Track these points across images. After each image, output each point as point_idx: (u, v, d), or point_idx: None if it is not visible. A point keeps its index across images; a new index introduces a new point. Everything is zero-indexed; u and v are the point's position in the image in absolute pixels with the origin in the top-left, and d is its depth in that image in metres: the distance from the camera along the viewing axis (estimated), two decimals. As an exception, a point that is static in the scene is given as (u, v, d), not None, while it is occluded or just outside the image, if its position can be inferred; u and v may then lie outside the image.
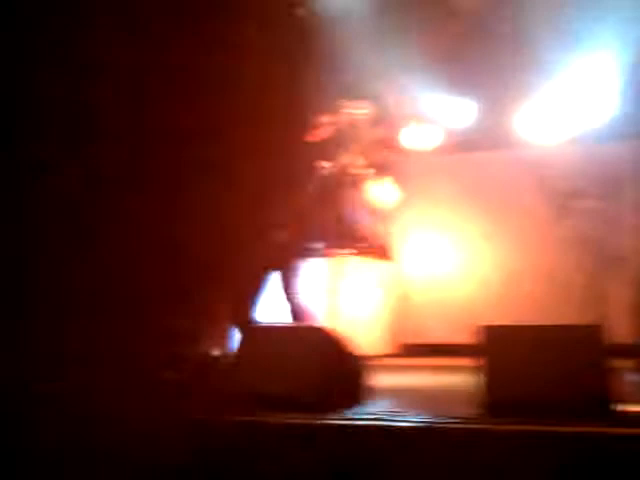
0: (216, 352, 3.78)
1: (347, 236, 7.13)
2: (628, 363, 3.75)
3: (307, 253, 4.97)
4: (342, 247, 6.94)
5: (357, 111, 7.19)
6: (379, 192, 7.24)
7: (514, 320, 5.62)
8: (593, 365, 3.07)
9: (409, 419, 3.03)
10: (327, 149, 7.00)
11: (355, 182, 7.27)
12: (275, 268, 4.95)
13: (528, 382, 3.06)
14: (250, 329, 4.06)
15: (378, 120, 6.90)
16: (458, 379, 4.60)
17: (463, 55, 6.87)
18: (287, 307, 4.95)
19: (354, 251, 6.95)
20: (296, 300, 4.91)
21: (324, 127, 7.15)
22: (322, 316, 4.99)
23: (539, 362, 3.07)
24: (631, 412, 3.06)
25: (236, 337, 3.74)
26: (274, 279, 5.01)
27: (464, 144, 7.40)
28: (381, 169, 7.36)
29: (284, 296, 4.98)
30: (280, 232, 4.85)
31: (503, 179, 7.06)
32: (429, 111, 7.45)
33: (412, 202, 7.30)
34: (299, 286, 4.95)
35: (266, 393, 3.30)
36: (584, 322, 4.57)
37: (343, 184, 7.07)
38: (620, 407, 3.07)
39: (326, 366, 3.43)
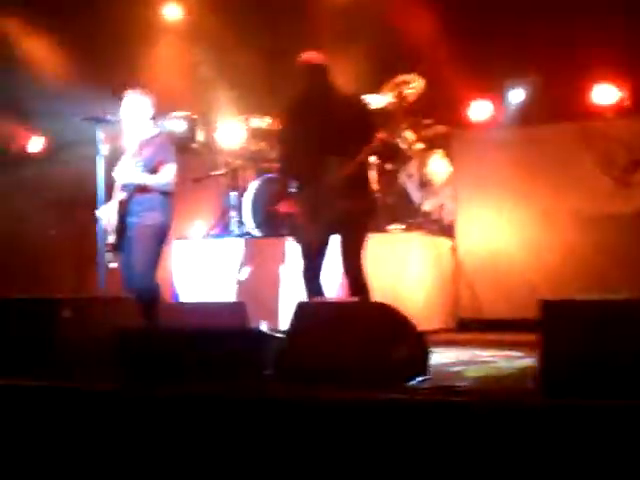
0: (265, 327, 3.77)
1: (401, 211, 7.11)
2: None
3: (368, 226, 4.78)
4: (396, 222, 6.93)
5: (409, 85, 7.14)
6: (431, 166, 7.18)
7: (572, 295, 5.55)
8: None
9: (467, 395, 3.04)
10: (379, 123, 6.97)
11: (407, 157, 7.24)
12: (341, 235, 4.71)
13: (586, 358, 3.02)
14: (304, 304, 3.99)
15: (428, 94, 6.84)
16: (515, 354, 4.61)
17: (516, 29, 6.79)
18: (345, 280, 4.77)
19: (409, 226, 6.94)
20: (357, 273, 4.70)
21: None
22: (377, 292, 4.87)
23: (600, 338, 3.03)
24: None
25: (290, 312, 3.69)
26: (334, 249, 4.81)
27: (520, 117, 7.31)
28: (433, 143, 7.30)
29: (344, 268, 4.77)
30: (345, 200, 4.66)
31: (561, 152, 6.95)
32: (483, 85, 7.37)
33: (468, 176, 7.23)
34: (362, 259, 4.71)
35: (322, 369, 3.33)
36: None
37: (396, 158, 7.04)
38: None
39: (387, 341, 3.45)
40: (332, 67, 4.89)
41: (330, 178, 4.64)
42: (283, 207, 4.89)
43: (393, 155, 4.90)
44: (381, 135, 4.63)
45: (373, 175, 6.24)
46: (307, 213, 4.73)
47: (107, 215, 5.40)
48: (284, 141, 5.09)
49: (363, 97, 5.24)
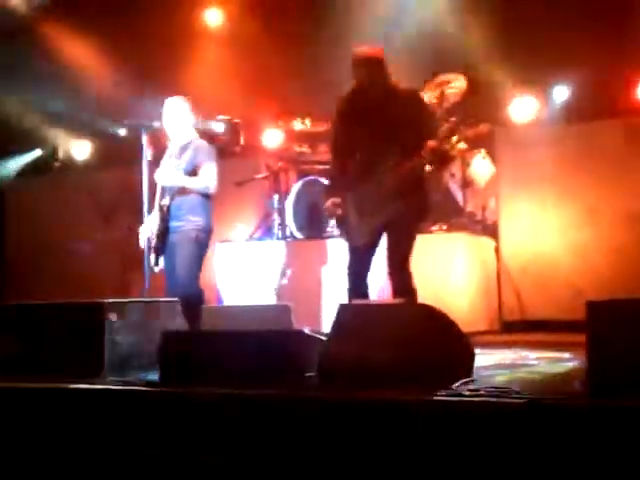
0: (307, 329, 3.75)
1: (445, 211, 7.06)
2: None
3: (418, 228, 4.70)
4: (440, 222, 6.88)
5: (450, 85, 7.08)
6: (474, 166, 7.12)
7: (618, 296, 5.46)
8: None
9: (513, 397, 3.02)
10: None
11: (451, 157, 7.17)
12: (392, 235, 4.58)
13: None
14: (346, 305, 3.96)
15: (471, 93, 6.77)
16: (561, 356, 4.55)
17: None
18: (389, 281, 4.69)
19: (452, 226, 6.88)
20: (402, 275, 4.54)
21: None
22: (421, 293, 4.81)
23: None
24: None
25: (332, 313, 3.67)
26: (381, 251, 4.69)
27: (565, 114, 7.23)
28: (475, 143, 7.22)
29: (389, 269, 4.63)
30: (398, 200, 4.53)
31: (607, 150, 6.84)
32: (527, 82, 7.30)
33: (511, 175, 7.15)
34: (409, 261, 4.56)
35: (365, 371, 3.32)
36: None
37: (444, 164, 6.95)
38: None
39: (431, 343, 3.43)
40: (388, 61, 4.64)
41: (385, 177, 4.58)
42: (332, 205, 4.84)
43: (442, 161, 4.76)
44: (432, 144, 4.53)
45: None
46: (359, 212, 4.68)
47: (150, 227, 5.45)
48: (337, 138, 4.92)
49: (420, 93, 5.08)
